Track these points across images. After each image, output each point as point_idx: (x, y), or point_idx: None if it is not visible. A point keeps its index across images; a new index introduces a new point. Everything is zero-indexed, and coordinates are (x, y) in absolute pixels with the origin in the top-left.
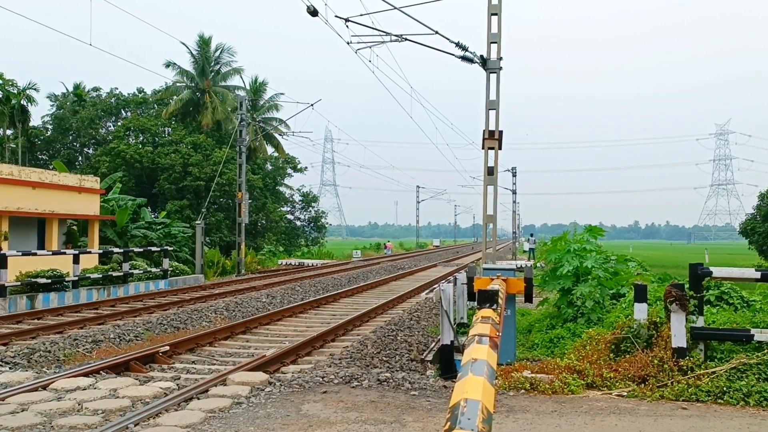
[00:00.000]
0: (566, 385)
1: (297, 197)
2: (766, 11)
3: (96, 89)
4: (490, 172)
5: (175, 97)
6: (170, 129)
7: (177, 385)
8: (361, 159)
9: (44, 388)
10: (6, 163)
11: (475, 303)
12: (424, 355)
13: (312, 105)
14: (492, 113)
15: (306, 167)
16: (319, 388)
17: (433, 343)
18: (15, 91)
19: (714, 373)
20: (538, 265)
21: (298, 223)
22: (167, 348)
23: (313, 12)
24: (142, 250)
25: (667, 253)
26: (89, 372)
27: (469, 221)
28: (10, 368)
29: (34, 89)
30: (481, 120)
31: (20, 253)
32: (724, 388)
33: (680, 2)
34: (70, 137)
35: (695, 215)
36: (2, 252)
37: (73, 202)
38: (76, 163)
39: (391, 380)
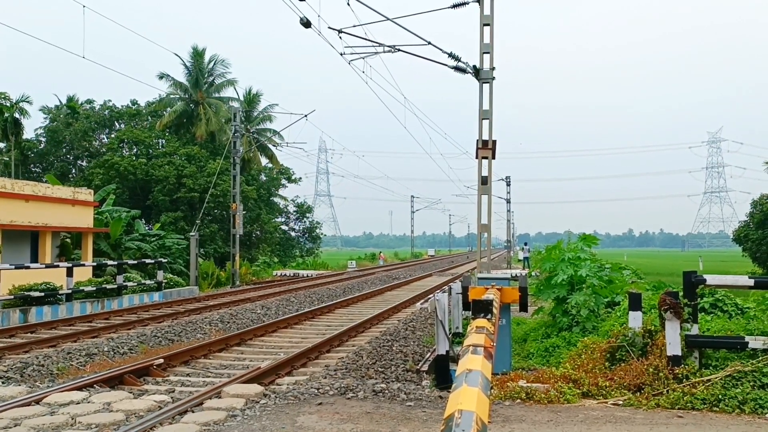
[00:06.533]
0: (562, 394)
1: (291, 208)
2: (760, 20)
3: (89, 101)
4: (484, 181)
5: (168, 108)
6: (164, 141)
7: (171, 398)
8: (355, 169)
9: (37, 402)
10: None
11: (470, 313)
12: (420, 365)
13: (306, 116)
14: (485, 123)
15: (300, 178)
16: (314, 399)
17: (429, 353)
18: (8, 104)
19: (709, 380)
20: (532, 274)
21: (293, 233)
22: (162, 361)
23: (306, 23)
24: (136, 262)
25: (661, 261)
26: (83, 386)
27: (464, 230)
28: (2, 382)
29: (27, 102)
30: (475, 130)
31: (13, 267)
32: (720, 396)
33: (674, 12)
34: (64, 150)
35: (689, 223)
36: None
37: (66, 215)
38: (70, 176)
39: (386, 391)
